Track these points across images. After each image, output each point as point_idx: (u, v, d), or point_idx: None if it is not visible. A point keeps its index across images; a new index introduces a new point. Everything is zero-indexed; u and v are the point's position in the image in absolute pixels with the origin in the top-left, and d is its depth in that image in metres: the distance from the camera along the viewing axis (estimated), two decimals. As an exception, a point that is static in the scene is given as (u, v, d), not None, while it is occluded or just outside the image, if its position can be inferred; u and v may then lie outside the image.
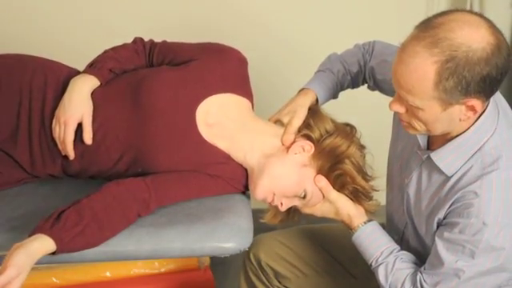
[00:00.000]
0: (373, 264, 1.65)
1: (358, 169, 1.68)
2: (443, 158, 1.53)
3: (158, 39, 1.85)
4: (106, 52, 1.79)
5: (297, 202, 1.71)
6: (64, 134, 1.67)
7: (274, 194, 1.68)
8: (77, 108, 1.67)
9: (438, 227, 1.56)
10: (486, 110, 1.48)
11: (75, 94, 1.69)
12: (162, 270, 2.45)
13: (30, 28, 2.56)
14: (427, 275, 1.55)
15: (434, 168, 1.56)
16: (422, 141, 1.60)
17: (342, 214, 1.69)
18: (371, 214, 1.72)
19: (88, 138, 1.68)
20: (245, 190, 1.78)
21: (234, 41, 1.84)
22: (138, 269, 2.43)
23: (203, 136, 1.70)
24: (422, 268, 1.58)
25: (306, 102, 1.77)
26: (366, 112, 2.42)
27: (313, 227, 2.01)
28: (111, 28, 2.48)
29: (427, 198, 1.59)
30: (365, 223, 1.68)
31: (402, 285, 1.59)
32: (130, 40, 1.84)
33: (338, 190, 1.68)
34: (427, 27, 1.37)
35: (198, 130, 1.70)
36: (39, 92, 1.73)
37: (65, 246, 1.46)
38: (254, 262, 1.97)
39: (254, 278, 1.98)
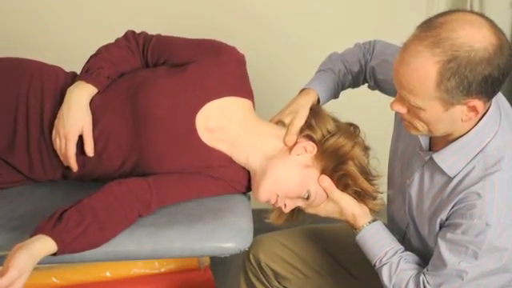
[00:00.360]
0: (377, 264, 1.65)
1: (361, 170, 1.68)
2: (446, 159, 1.53)
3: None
4: (99, 53, 1.75)
5: (300, 203, 1.70)
6: (66, 148, 1.67)
7: (278, 196, 1.68)
8: (76, 120, 1.66)
9: (440, 228, 1.56)
10: (488, 111, 1.48)
11: (73, 105, 1.67)
12: (162, 269, 2.45)
13: (29, 28, 2.55)
14: (430, 276, 1.55)
15: (436, 169, 1.56)
16: (424, 142, 1.60)
17: (346, 214, 1.69)
18: (376, 214, 1.72)
19: (90, 149, 1.68)
20: (246, 192, 1.77)
21: (235, 40, 1.83)
22: (138, 269, 2.42)
23: (204, 141, 1.70)
24: (425, 269, 1.58)
25: (307, 101, 1.76)
26: (367, 112, 2.42)
27: (313, 228, 2.00)
28: (110, 25, 2.44)
29: (429, 198, 1.59)
30: (369, 223, 1.67)
31: (406, 286, 1.58)
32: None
33: (342, 190, 1.68)
34: (429, 27, 1.37)
35: (199, 135, 1.69)
36: (36, 100, 1.71)
37: (66, 247, 1.46)
38: (254, 263, 1.96)
39: (253, 279, 1.98)
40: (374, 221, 1.68)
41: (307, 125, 1.71)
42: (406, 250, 1.66)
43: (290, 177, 1.67)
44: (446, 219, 1.54)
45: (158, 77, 1.71)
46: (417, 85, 1.38)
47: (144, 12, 2.57)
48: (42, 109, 1.71)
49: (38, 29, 2.55)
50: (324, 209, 1.71)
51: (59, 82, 1.74)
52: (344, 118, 1.76)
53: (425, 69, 1.36)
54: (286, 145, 1.70)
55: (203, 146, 1.70)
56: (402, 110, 1.47)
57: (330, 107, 1.80)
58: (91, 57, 1.75)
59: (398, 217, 1.74)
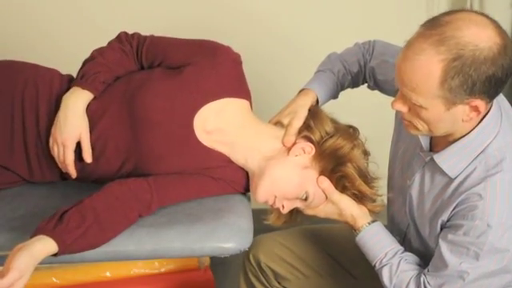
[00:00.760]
0: (377, 265, 1.64)
1: (360, 173, 1.67)
2: (446, 159, 1.53)
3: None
4: (94, 58, 1.74)
5: (298, 204, 1.70)
6: (64, 155, 1.67)
7: (276, 197, 1.68)
8: (73, 127, 1.65)
9: (441, 229, 1.56)
10: (490, 112, 1.48)
11: (70, 112, 1.66)
12: (162, 270, 2.45)
13: (26, 30, 2.55)
14: (431, 277, 1.55)
15: (437, 170, 1.56)
16: (425, 142, 1.59)
17: (345, 215, 1.68)
18: (375, 215, 1.71)
19: (88, 156, 1.68)
20: (245, 192, 1.77)
21: (233, 40, 1.83)
22: (138, 269, 2.42)
23: (202, 142, 1.70)
24: (426, 270, 1.58)
25: (306, 102, 1.76)
26: (367, 112, 2.42)
27: (313, 228, 2.00)
28: (106, 26, 2.44)
29: (430, 199, 1.59)
30: (369, 224, 1.67)
31: (407, 287, 1.58)
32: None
33: (341, 192, 1.68)
34: (434, 25, 1.37)
35: (197, 137, 1.69)
36: (31, 105, 1.71)
37: (67, 248, 1.46)
38: (254, 263, 1.96)
39: (253, 279, 1.98)
40: (373, 222, 1.68)
41: (306, 126, 1.70)
42: (406, 250, 1.66)
43: (288, 177, 1.66)
44: (448, 220, 1.54)
45: (154, 80, 1.71)
46: (420, 83, 1.37)
47: (141, 13, 2.57)
48: (37, 113, 1.71)
49: (35, 31, 2.55)
50: (323, 210, 1.71)
51: (54, 86, 1.74)
52: (343, 118, 1.76)
53: (429, 67, 1.35)
54: (284, 145, 1.70)
55: (201, 147, 1.70)
56: (403, 108, 1.47)
57: (329, 108, 1.80)
58: (85, 61, 1.75)
59: (399, 218, 1.74)
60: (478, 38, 1.33)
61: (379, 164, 1.74)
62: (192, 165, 1.69)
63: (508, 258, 1.48)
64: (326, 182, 1.66)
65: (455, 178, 1.52)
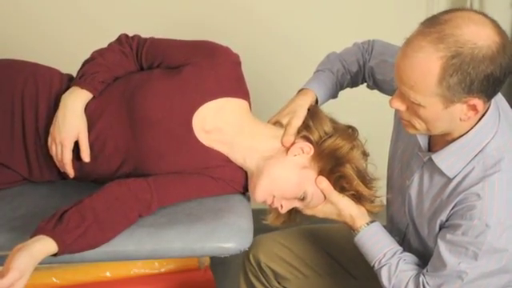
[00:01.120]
0: (375, 265, 1.64)
1: (358, 174, 1.67)
2: (445, 159, 1.53)
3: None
4: (93, 58, 1.74)
5: (297, 204, 1.70)
6: (62, 154, 1.67)
7: (274, 197, 1.68)
8: (72, 127, 1.66)
9: (440, 229, 1.56)
10: (488, 112, 1.48)
11: (69, 111, 1.67)
12: (162, 270, 2.45)
13: (26, 30, 2.56)
14: (430, 277, 1.55)
15: (435, 170, 1.56)
16: (423, 142, 1.59)
17: (344, 215, 1.68)
18: (374, 215, 1.71)
19: (86, 156, 1.68)
20: (244, 192, 1.77)
21: (233, 40, 1.83)
22: (138, 269, 2.43)
23: (201, 142, 1.70)
24: (425, 270, 1.58)
25: (305, 102, 1.76)
26: (366, 112, 2.42)
27: (313, 228, 2.00)
28: (106, 26, 2.45)
29: (429, 199, 1.59)
30: (368, 224, 1.67)
31: (406, 287, 1.58)
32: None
33: (340, 192, 1.67)
34: (433, 23, 1.37)
35: (196, 136, 1.69)
36: (31, 103, 1.71)
37: (67, 248, 1.46)
38: (254, 263, 1.96)
39: (253, 279, 1.98)
40: (372, 222, 1.68)
41: (305, 125, 1.70)
42: (405, 250, 1.66)
43: (287, 177, 1.66)
44: (446, 220, 1.54)
45: (154, 79, 1.71)
46: (418, 80, 1.38)
47: (141, 13, 2.57)
48: (36, 111, 1.71)
49: (35, 31, 2.55)
50: (322, 210, 1.71)
51: (54, 85, 1.74)
52: (342, 118, 1.76)
53: (427, 64, 1.35)
54: (283, 145, 1.69)
55: (200, 146, 1.70)
56: (401, 106, 1.47)
57: (329, 107, 1.80)
58: (85, 62, 1.75)
59: (398, 218, 1.74)
60: (477, 37, 1.34)
61: (378, 164, 1.74)
62: (191, 164, 1.69)
63: (507, 257, 1.48)
64: (324, 182, 1.66)
65: (453, 177, 1.52)
